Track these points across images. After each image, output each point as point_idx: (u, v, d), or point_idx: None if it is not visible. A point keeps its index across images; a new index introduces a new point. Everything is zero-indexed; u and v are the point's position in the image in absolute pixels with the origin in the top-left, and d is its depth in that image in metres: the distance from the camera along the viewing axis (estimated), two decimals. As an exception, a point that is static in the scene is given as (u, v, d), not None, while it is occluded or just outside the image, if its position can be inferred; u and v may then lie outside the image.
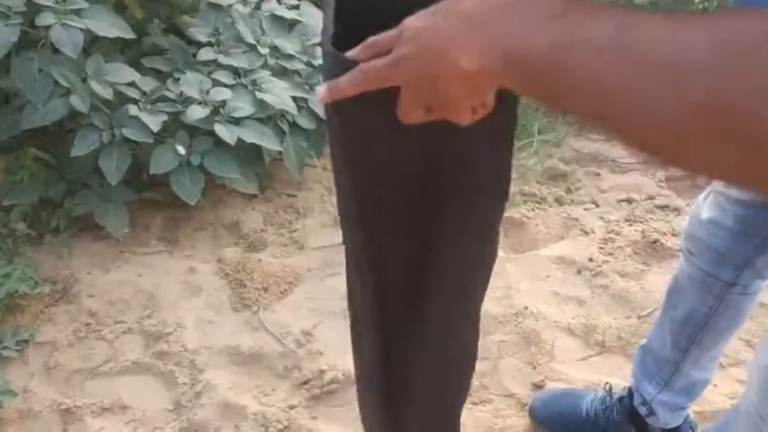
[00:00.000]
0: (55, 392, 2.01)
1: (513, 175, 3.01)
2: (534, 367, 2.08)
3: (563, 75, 0.61)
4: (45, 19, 2.20)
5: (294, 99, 2.60)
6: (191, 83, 2.48)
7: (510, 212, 2.65)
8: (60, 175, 2.44)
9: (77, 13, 2.26)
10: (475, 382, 2.03)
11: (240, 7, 2.77)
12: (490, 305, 2.26)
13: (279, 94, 2.56)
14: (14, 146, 2.46)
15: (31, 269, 2.25)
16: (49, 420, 1.95)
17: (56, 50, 2.23)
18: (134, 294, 2.27)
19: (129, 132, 2.33)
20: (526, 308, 2.25)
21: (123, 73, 2.41)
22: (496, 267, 2.35)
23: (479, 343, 2.14)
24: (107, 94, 2.31)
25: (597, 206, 2.83)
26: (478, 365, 2.09)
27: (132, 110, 2.36)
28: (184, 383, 2.02)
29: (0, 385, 1.97)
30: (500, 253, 2.45)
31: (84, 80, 2.30)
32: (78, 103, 2.25)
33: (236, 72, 2.60)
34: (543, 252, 2.51)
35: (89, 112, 2.29)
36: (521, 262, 2.46)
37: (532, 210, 2.71)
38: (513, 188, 2.79)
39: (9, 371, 2.05)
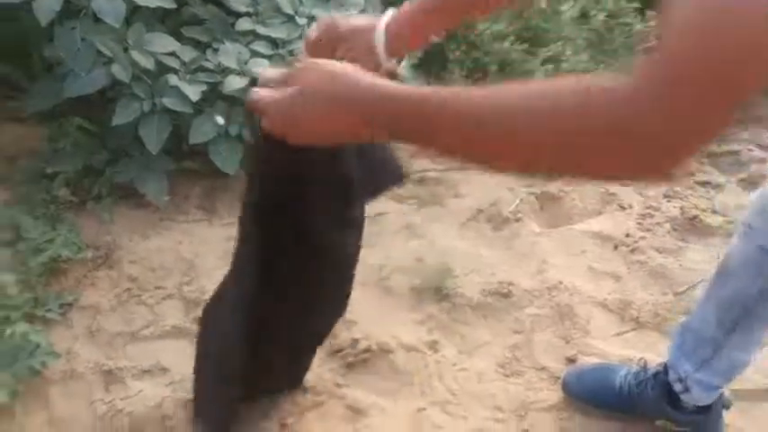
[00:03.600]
0: (97, 354, 2.07)
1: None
2: (568, 342, 2.08)
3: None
4: (88, -12, 2.23)
5: (331, 70, 2.60)
6: (229, 53, 2.50)
7: (546, 186, 2.64)
8: (102, 144, 2.49)
9: (119, -18, 2.28)
10: (507, 354, 2.05)
11: (278, -23, 2.76)
12: (524, 279, 2.26)
13: (316, 65, 2.55)
14: (57, 114, 2.51)
15: (74, 235, 2.31)
16: (91, 381, 2.01)
17: (98, 20, 2.27)
18: (174, 261, 2.32)
19: (169, 102, 2.36)
20: (560, 282, 2.24)
21: (164, 42, 2.43)
22: (531, 241, 2.35)
23: (513, 317, 2.16)
24: (148, 63, 2.34)
25: (635, 182, 2.80)
26: (511, 339, 2.11)
27: (172, 80, 2.39)
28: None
29: (44, 347, 2.03)
30: (535, 227, 2.46)
31: (126, 49, 2.33)
32: (120, 72, 2.29)
33: (273, 43, 2.61)
34: (579, 227, 2.50)
35: (130, 82, 2.33)
36: (556, 237, 2.45)
37: (569, 184, 2.69)
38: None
39: (53, 333, 2.11)
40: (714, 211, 2.58)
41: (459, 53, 3.14)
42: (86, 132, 2.49)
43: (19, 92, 2.62)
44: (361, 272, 2.29)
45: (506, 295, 2.21)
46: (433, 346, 2.08)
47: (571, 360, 2.02)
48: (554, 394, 1.93)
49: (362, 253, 2.37)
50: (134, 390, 1.96)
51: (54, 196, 2.41)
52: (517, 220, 2.50)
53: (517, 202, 2.57)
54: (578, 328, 2.12)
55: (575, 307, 2.16)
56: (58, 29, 2.28)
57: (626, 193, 2.70)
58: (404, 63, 2.85)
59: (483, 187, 2.68)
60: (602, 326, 2.13)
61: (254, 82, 2.45)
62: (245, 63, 2.49)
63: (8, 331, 2.02)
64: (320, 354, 2.08)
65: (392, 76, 1.27)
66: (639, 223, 2.52)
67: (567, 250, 2.39)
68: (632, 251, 2.38)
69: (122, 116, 2.33)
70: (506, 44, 3.14)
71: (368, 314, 2.16)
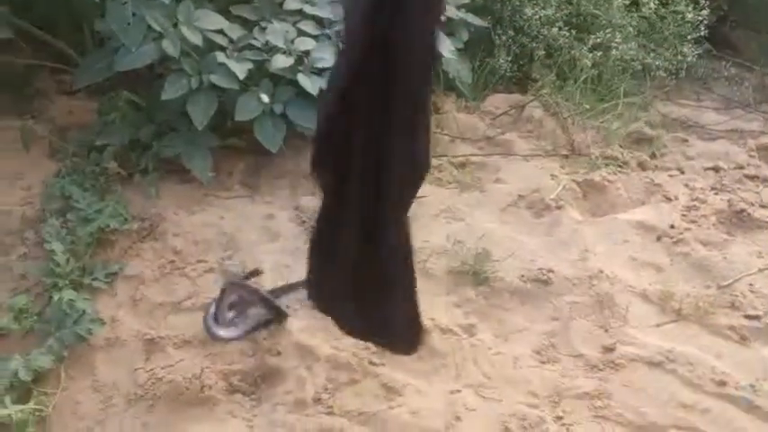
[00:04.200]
0: (140, 323, 2.12)
1: (596, 137, 2.96)
2: (606, 330, 2.06)
3: None
4: (141, -36, 2.27)
5: (376, 51, 2.60)
6: (276, 32, 2.51)
7: (590, 175, 2.61)
8: (150, 118, 2.54)
9: (171, -42, 2.32)
10: (544, 340, 2.04)
11: (327, -43, 2.77)
12: (564, 266, 2.25)
13: (362, 45, 2.56)
14: (107, 88, 2.57)
15: (121, 206, 2.36)
16: (134, 349, 2.06)
17: (149, -5, 2.30)
18: (216, 236, 2.36)
19: (215, 79, 2.39)
20: (601, 271, 2.22)
21: (212, 20, 2.46)
22: (572, 229, 2.32)
23: (551, 304, 2.14)
24: (196, 39, 2.37)
25: (682, 173, 2.75)
26: (548, 326, 2.10)
27: (220, 57, 2.42)
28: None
29: (89, 314, 2.08)
30: (577, 215, 2.44)
31: (176, 25, 2.36)
32: (169, 47, 2.32)
33: (320, 22, 2.62)
34: (622, 216, 2.46)
35: (179, 57, 2.36)
36: (598, 225, 2.43)
37: (614, 173, 2.65)
38: (594, 151, 2.76)
39: (98, 301, 2.17)
40: (762, 206, 2.52)
41: (505, 38, 3.11)
42: (135, 106, 2.54)
43: (71, 66, 2.68)
44: (399, 253, 2.32)
45: (545, 282, 2.19)
46: (470, 329, 2.08)
47: (609, 349, 2.01)
48: (589, 382, 1.92)
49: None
50: (174, 359, 2.01)
51: (103, 168, 2.47)
52: (559, 207, 2.47)
53: (559, 189, 2.54)
54: (617, 317, 2.09)
55: (614, 296, 2.14)
56: (109, 4, 2.32)
57: (672, 184, 2.65)
58: (450, 47, 2.85)
59: (525, 174, 2.66)
60: (641, 316, 2.10)
61: (300, 60, 2.47)
62: (292, 42, 2.50)
63: (55, 298, 2.09)
64: (356, 332, 2.10)
65: None
66: (684, 215, 2.48)
67: (608, 239, 2.36)
68: (676, 243, 2.34)
69: (171, 91, 2.37)
70: (554, 30, 3.10)
71: (405, 295, 2.17)
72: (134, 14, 2.32)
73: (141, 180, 2.50)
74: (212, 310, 2.10)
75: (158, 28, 2.33)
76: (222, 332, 2.07)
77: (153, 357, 2.04)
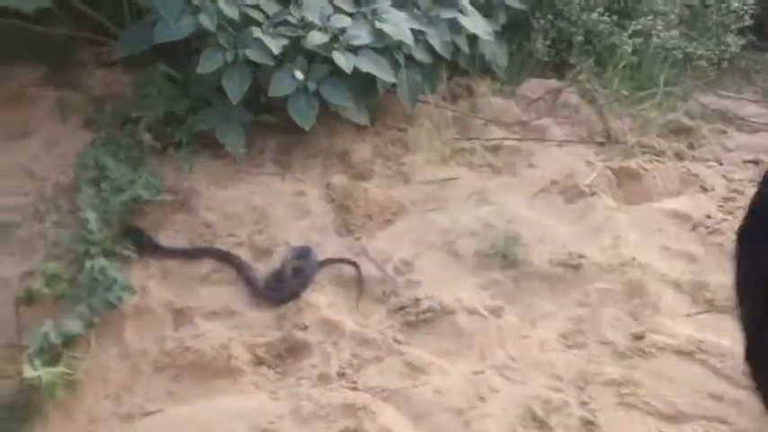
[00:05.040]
0: (169, 294, 2.14)
1: (633, 125, 2.92)
2: (636, 318, 2.03)
3: None
4: (181, -63, 2.28)
5: (412, 31, 2.59)
6: (313, 8, 2.51)
7: (626, 162, 2.57)
8: (185, 92, 2.55)
9: (211, -68, 2.32)
10: (571, 326, 2.02)
11: (366, -65, 2.75)
12: (595, 253, 2.21)
13: (398, 24, 2.55)
14: (144, 61, 2.58)
15: (155, 178, 2.38)
16: (163, 318, 2.08)
17: (188, -31, 2.31)
18: (247, 211, 2.37)
19: (251, 54, 2.39)
20: (633, 259, 2.18)
21: (249, -6, 2.46)
22: (605, 216, 2.29)
23: (581, 289, 2.11)
24: (233, 14, 2.38)
25: (721, 164, 2.69)
26: (577, 311, 2.07)
27: (255, 32, 2.42)
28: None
29: (121, 282, 2.10)
30: (611, 202, 2.40)
31: (213, -1, 2.37)
32: (206, 20, 2.33)
33: (357, 0, 2.60)
34: (657, 205, 2.42)
35: (215, 31, 2.37)
36: (632, 213, 2.39)
37: (650, 162, 2.60)
38: (631, 139, 2.71)
39: (130, 270, 2.19)
40: (803, 200, 2.45)
41: (543, 22, 3.07)
42: (171, 80, 2.55)
43: (109, 38, 2.70)
44: (427, 234, 2.31)
45: (576, 267, 2.16)
46: (496, 311, 2.07)
47: (638, 337, 1.97)
48: (617, 369, 1.89)
49: (430, 216, 2.39)
50: (202, 329, 2.03)
51: (137, 140, 2.49)
52: (592, 193, 2.44)
53: (594, 175, 2.50)
54: (648, 305, 2.06)
55: (646, 284, 2.10)
56: (149, -24, 2.34)
57: (709, 175, 2.60)
58: (487, 29, 2.82)
59: (559, 159, 2.62)
60: (673, 305, 2.06)
61: (335, 38, 2.47)
62: (328, 19, 2.50)
63: (88, 265, 2.11)
64: (381, 310, 2.10)
65: None
66: (721, 206, 2.43)
67: (642, 227, 2.32)
68: (711, 233, 2.29)
69: (206, 65, 2.38)
70: (594, 15, 3.05)
71: (432, 275, 2.16)
72: (173, -13, 2.34)
73: (175, 153, 2.52)
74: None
75: (196, 1, 2.34)
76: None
77: (181, 327, 2.06)
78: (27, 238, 2.26)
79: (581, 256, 2.19)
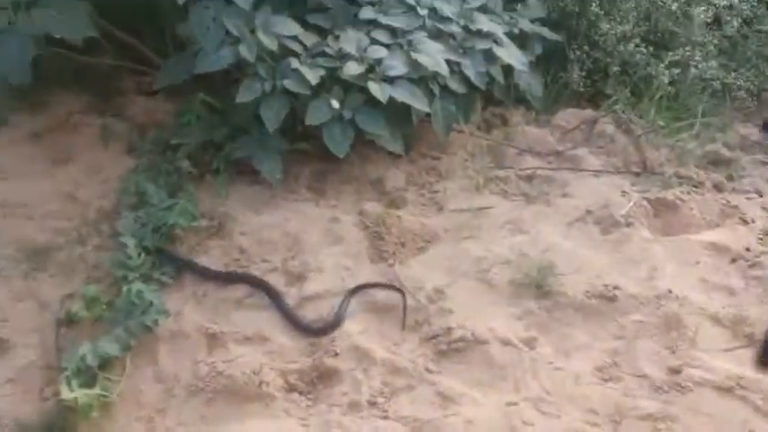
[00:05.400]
0: (203, 318, 2.17)
1: (670, 156, 2.88)
2: (673, 352, 1.99)
3: None
4: (222, -30, 2.35)
5: (447, 62, 2.62)
6: (350, 40, 2.55)
7: (663, 193, 2.54)
8: (224, 120, 2.61)
9: (252, -34, 2.39)
10: (607, 358, 1.99)
11: (403, -32, 2.80)
12: (630, 284, 2.18)
13: (433, 55, 2.58)
14: (184, 90, 2.65)
15: (192, 204, 2.43)
16: (197, 342, 2.11)
17: (229, 1, 2.38)
18: (281, 237, 2.39)
19: (289, 84, 2.44)
20: (670, 291, 2.15)
21: (288, 27, 2.52)
22: (641, 247, 2.26)
23: (616, 321, 2.09)
24: (272, 45, 2.43)
25: (761, 196, 2.64)
26: (612, 343, 2.04)
27: (293, 63, 2.47)
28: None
29: (157, 305, 2.14)
30: (647, 233, 2.38)
31: (253, 31, 2.43)
32: (246, 51, 2.39)
33: (393, 32, 2.65)
34: (695, 237, 2.38)
35: (255, 62, 2.42)
36: (669, 245, 2.35)
37: (687, 193, 2.57)
38: (668, 169, 2.68)
39: (165, 294, 2.23)
40: None
41: (579, 53, 3.07)
42: (210, 108, 2.62)
43: (151, 68, 2.78)
44: (460, 262, 2.31)
45: (611, 299, 2.14)
46: (530, 342, 2.04)
47: (675, 371, 1.93)
48: (653, 403, 1.85)
49: (464, 244, 2.39)
50: (235, 354, 2.05)
51: (176, 167, 2.55)
52: (628, 224, 2.41)
53: (630, 206, 2.48)
54: (685, 339, 2.02)
55: (683, 317, 2.06)
56: (191, 8, 2.41)
57: (749, 206, 2.55)
58: (522, 60, 2.84)
59: (594, 189, 2.60)
60: (711, 339, 2.02)
61: (371, 68, 2.50)
62: (365, 50, 2.54)
63: (125, 289, 2.16)
64: (414, 338, 2.09)
65: None
66: (761, 238, 2.38)
67: (679, 259, 2.28)
68: (751, 266, 2.24)
69: (245, 95, 2.43)
70: (630, 46, 3.04)
71: (465, 304, 2.15)
72: (214, 19, 2.40)
73: (212, 180, 2.57)
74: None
75: (236, 33, 2.41)
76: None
77: (214, 351, 2.08)
78: (68, 261, 2.33)
79: (616, 288, 2.16)
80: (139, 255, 2.26)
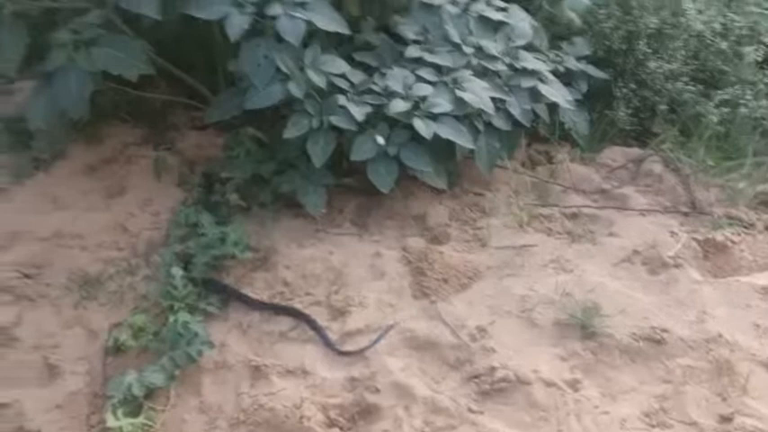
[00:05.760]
0: (247, 350, 2.19)
1: (720, 196, 2.82)
2: (724, 399, 1.93)
3: None
4: (274, 9, 2.42)
5: (493, 99, 2.63)
6: (396, 77, 2.59)
7: (713, 234, 2.49)
8: (271, 155, 2.66)
9: (302, 5, 2.45)
10: (654, 404, 1.94)
11: (450, 8, 2.85)
12: (679, 327, 2.14)
13: (478, 93, 2.60)
14: (234, 125, 2.72)
15: (239, 237, 2.47)
16: (240, 374, 2.13)
17: (280, 39, 2.44)
18: (324, 270, 2.41)
19: (335, 120, 2.49)
20: (720, 335, 2.09)
21: (336, 65, 2.57)
22: (690, 289, 2.21)
23: (664, 365, 2.04)
24: (321, 82, 2.48)
25: (816, 238, 2.56)
26: (660, 388, 1.99)
27: (341, 99, 2.52)
28: (362, 359, 2.11)
29: (202, 336, 2.18)
30: (696, 275, 2.33)
31: (302, 68, 2.49)
32: (295, 88, 2.45)
33: (439, 70, 2.68)
34: (746, 279, 2.32)
35: (303, 98, 2.48)
36: (719, 287, 2.29)
37: (738, 234, 2.51)
38: (718, 210, 2.63)
39: (211, 325, 2.26)
40: None
41: (626, 91, 3.05)
42: (258, 143, 2.68)
43: (203, 103, 2.86)
44: (504, 300, 2.30)
45: (659, 342, 2.09)
46: (575, 384, 2.01)
47: (726, 419, 1.87)
48: (704, 452, 1.80)
49: (507, 282, 2.37)
50: (277, 387, 2.06)
51: (226, 200, 2.61)
52: (677, 265, 2.36)
53: (678, 246, 2.43)
54: (737, 386, 1.96)
55: (734, 363, 2.01)
56: (243, 46, 2.47)
57: (804, 249, 2.48)
58: (568, 97, 2.84)
59: (641, 229, 2.56)
60: (764, 386, 1.96)
61: (416, 105, 2.53)
62: (410, 87, 2.57)
63: (171, 319, 2.20)
64: (455, 376, 2.08)
65: None
66: (816, 283, 2.31)
67: (730, 302, 2.23)
68: (807, 311, 2.18)
69: (293, 131, 2.48)
70: (679, 84, 3.02)
71: (508, 343, 2.13)
72: (265, 57, 2.47)
73: (259, 212, 2.61)
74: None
75: (286, 70, 2.46)
76: None
77: (257, 384, 2.10)
78: (118, 290, 2.39)
79: (664, 331, 2.12)
80: (186, 285, 2.30)
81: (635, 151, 3.01)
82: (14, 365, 2.18)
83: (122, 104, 2.96)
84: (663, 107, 3.04)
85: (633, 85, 3.07)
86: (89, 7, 2.54)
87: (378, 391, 2.02)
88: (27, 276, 2.41)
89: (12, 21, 2.42)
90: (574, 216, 2.67)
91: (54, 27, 2.55)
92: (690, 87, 3.02)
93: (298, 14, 2.42)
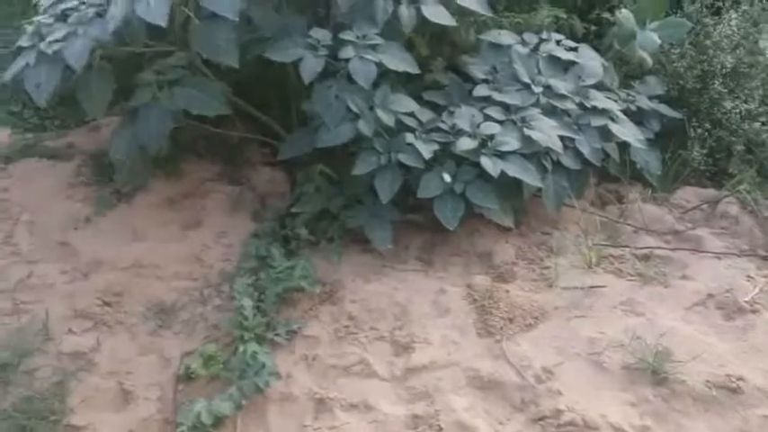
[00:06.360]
0: (312, 382, 2.22)
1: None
2: (806, 453, 1.84)
3: None
4: (346, 52, 2.51)
5: (561, 138, 2.63)
6: (464, 116, 2.63)
7: (792, 277, 2.39)
8: (340, 191, 2.73)
9: (374, 48, 2.53)
10: (730, 455, 1.86)
11: (519, 48, 2.88)
12: (756, 375, 2.05)
13: (546, 131, 2.60)
14: (306, 162, 2.80)
15: (307, 270, 2.52)
16: (305, 406, 2.16)
17: (351, 80, 2.52)
18: (389, 305, 2.43)
19: (403, 157, 2.54)
20: (802, 385, 2.00)
21: (405, 104, 2.63)
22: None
23: (740, 415, 1.96)
24: (389, 121, 2.54)
25: None
26: (736, 439, 1.91)
27: (409, 137, 2.57)
28: (426, 396, 2.11)
29: (269, 367, 2.22)
30: (775, 318, 2.22)
31: (372, 108, 2.55)
32: (364, 127, 2.52)
33: (507, 108, 2.70)
34: (828, 327, 2.22)
35: (372, 137, 2.54)
36: (800, 335, 2.20)
37: (820, 280, 2.41)
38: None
39: (277, 356, 2.31)
40: None
41: (701, 130, 2.99)
42: (328, 179, 2.74)
43: (276, 139, 2.97)
44: (571, 342, 2.26)
45: (735, 390, 2.01)
46: (644, 431, 1.95)
47: (807, 474, 1.78)
48: None
49: (574, 323, 2.34)
50: (340, 420, 2.08)
51: (295, 234, 2.68)
52: (754, 311, 2.28)
53: (756, 291, 2.35)
54: (819, 439, 1.86)
55: (818, 415, 1.91)
56: (316, 86, 2.57)
57: None
58: (639, 136, 2.80)
59: (716, 272, 2.49)
60: None
61: (483, 143, 2.55)
62: (478, 126, 2.60)
63: (241, 349, 2.26)
64: (520, 418, 2.05)
65: None
66: None
67: (811, 351, 2.13)
68: None
69: (362, 167, 2.55)
70: (756, 125, 2.94)
71: (575, 386, 2.09)
72: (337, 97, 2.55)
73: (327, 247, 2.67)
74: None
75: (356, 110, 2.54)
76: None
77: (321, 416, 2.12)
78: (190, 319, 2.47)
79: (740, 379, 2.03)
80: (255, 316, 2.36)
81: (710, 192, 2.94)
82: (91, 389, 2.27)
83: (200, 140, 3.10)
84: (739, 147, 2.97)
85: (708, 125, 3.01)
86: (173, 50, 2.69)
87: (441, 429, 2.01)
88: (106, 304, 2.52)
89: (100, 66, 2.57)
90: (645, 257, 2.62)
91: (139, 69, 2.70)
92: (767, 128, 2.94)
93: (369, 56, 2.49)
